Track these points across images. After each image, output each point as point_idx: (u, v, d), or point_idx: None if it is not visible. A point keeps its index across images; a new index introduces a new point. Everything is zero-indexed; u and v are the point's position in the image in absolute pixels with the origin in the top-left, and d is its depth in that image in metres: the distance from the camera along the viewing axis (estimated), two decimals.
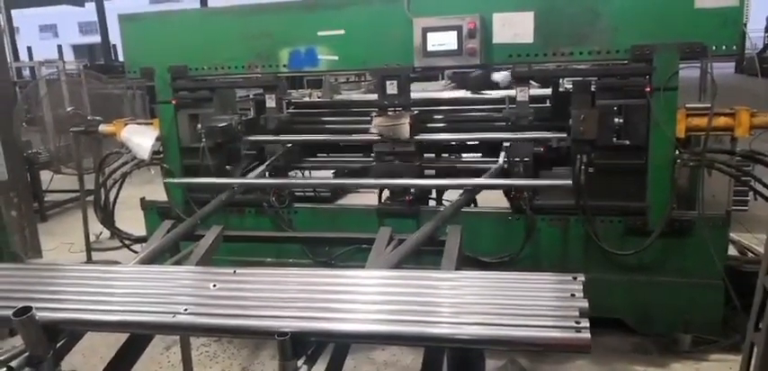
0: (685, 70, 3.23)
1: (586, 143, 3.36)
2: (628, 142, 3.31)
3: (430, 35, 3.38)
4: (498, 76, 5.23)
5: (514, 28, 3.32)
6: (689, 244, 3.34)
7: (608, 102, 3.30)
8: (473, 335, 1.60)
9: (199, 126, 3.94)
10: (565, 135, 3.52)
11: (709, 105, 3.20)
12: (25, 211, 5.42)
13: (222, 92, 4.10)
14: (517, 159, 3.57)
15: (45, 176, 7.38)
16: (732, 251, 3.96)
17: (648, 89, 3.19)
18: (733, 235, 4.01)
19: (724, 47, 3.08)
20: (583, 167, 3.32)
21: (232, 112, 4.19)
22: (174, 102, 3.98)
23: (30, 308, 1.66)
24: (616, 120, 3.28)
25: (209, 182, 3.83)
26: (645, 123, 3.26)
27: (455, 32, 3.33)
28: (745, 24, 3.16)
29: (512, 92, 3.65)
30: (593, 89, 3.39)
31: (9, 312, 1.66)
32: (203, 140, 3.88)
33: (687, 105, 3.28)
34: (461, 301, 1.76)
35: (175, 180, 3.96)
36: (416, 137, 3.69)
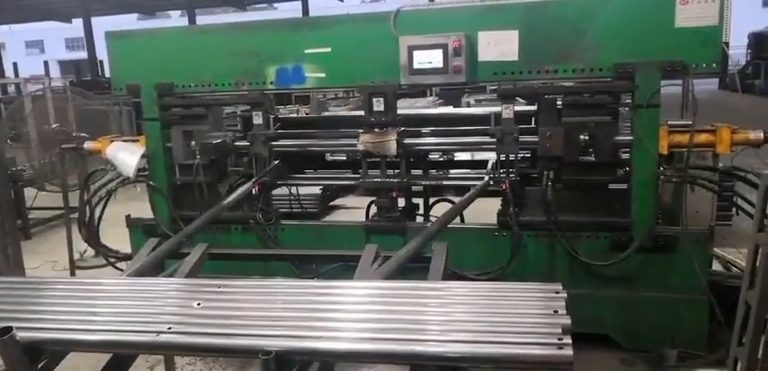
0: (669, 87, 3.28)
1: (553, 160, 3.40)
2: (594, 159, 3.34)
3: (416, 53, 3.41)
4: None
5: (500, 46, 3.35)
6: (673, 259, 3.37)
7: (574, 120, 3.34)
8: (458, 353, 1.60)
9: (193, 143, 3.92)
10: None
11: (690, 122, 3.24)
12: (8, 228, 5.33)
13: (214, 109, 4.09)
14: (503, 175, 3.58)
15: (29, 193, 7.31)
16: (717, 266, 4.00)
17: (629, 105, 3.23)
18: (717, 250, 4.05)
19: (705, 65, 3.13)
20: (550, 183, 3.35)
21: (221, 129, 4.18)
22: (160, 119, 3.96)
23: (10, 328, 1.64)
24: (582, 136, 3.31)
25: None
26: (611, 140, 3.31)
27: (441, 51, 3.36)
28: (727, 43, 3.21)
29: (498, 108, 3.66)
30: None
31: None
32: (197, 156, 3.87)
33: (669, 122, 3.33)
34: (448, 318, 1.76)
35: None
36: (403, 153, 3.69)
